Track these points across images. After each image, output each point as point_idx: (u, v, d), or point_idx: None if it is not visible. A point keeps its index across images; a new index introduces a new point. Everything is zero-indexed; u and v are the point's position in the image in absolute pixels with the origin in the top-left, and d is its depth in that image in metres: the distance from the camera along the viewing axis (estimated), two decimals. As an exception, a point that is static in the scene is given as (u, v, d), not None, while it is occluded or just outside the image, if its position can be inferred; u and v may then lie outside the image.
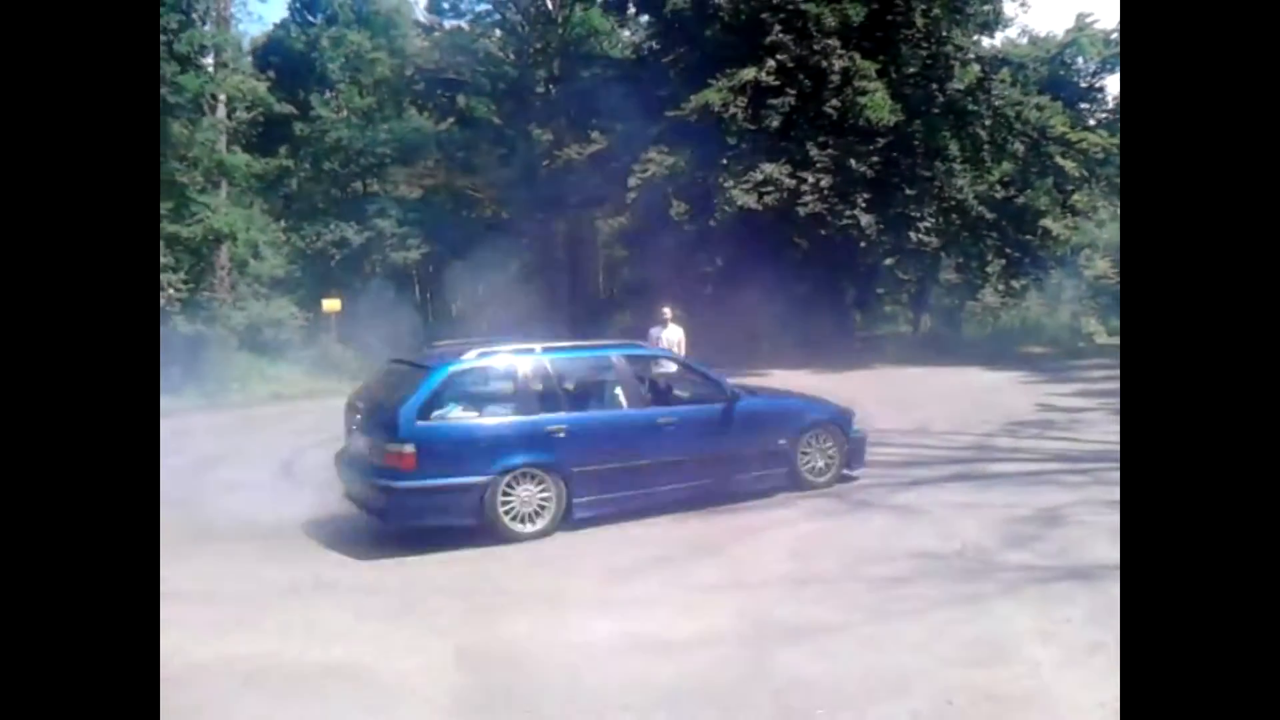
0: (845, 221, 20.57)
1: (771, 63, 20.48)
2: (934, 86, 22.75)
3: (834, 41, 20.76)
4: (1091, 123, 27.47)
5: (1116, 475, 7.75)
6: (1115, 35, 26.62)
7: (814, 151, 20.40)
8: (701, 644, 4.25)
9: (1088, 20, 28.49)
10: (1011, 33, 28.82)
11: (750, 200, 20.19)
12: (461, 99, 30.76)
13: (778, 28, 20.94)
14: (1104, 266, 35.16)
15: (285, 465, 9.56)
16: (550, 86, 29.56)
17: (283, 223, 28.13)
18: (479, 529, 6.19)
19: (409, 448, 6.05)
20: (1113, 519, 6.21)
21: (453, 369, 6.59)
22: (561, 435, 6.57)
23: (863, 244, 21.16)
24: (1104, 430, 10.10)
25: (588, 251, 32.52)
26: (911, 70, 22.64)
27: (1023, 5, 32.79)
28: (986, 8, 24.28)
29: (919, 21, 22.21)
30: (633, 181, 20.89)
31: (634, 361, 7.53)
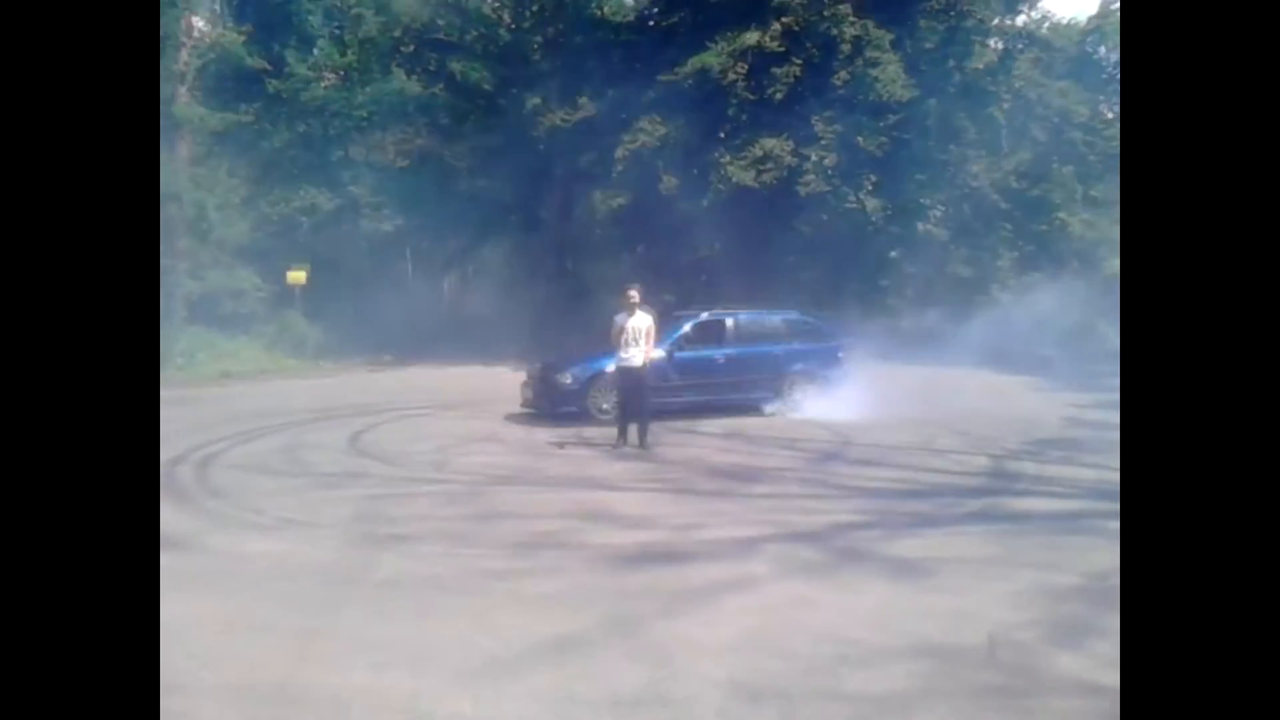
0: (850, 205, 18.91)
1: (777, 26, 18.80)
2: (951, 64, 21.05)
3: (845, 7, 19.05)
4: (1109, 115, 25.87)
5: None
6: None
7: (819, 127, 18.75)
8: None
9: (1113, 8, 26.90)
10: (1034, 15, 27.18)
11: (747, 177, 18.56)
12: (454, 63, 28.90)
13: (785, -12, 19.26)
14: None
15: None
16: (547, 53, 27.72)
17: (258, 187, 26.42)
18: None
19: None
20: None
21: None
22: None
23: (869, 228, 19.49)
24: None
25: (579, 231, 30.75)
26: (928, 45, 20.94)
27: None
28: (1014, -18, 22.61)
29: (939, -9, 20.54)
30: (620, 152, 19.22)
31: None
